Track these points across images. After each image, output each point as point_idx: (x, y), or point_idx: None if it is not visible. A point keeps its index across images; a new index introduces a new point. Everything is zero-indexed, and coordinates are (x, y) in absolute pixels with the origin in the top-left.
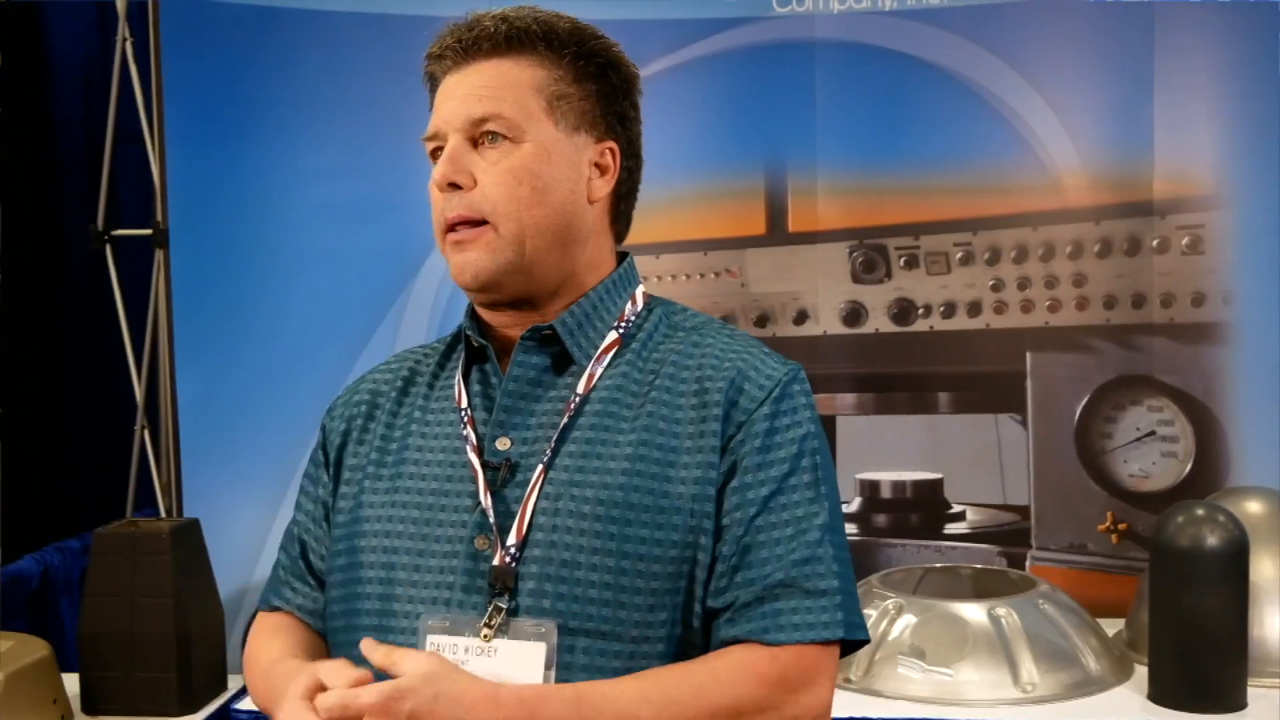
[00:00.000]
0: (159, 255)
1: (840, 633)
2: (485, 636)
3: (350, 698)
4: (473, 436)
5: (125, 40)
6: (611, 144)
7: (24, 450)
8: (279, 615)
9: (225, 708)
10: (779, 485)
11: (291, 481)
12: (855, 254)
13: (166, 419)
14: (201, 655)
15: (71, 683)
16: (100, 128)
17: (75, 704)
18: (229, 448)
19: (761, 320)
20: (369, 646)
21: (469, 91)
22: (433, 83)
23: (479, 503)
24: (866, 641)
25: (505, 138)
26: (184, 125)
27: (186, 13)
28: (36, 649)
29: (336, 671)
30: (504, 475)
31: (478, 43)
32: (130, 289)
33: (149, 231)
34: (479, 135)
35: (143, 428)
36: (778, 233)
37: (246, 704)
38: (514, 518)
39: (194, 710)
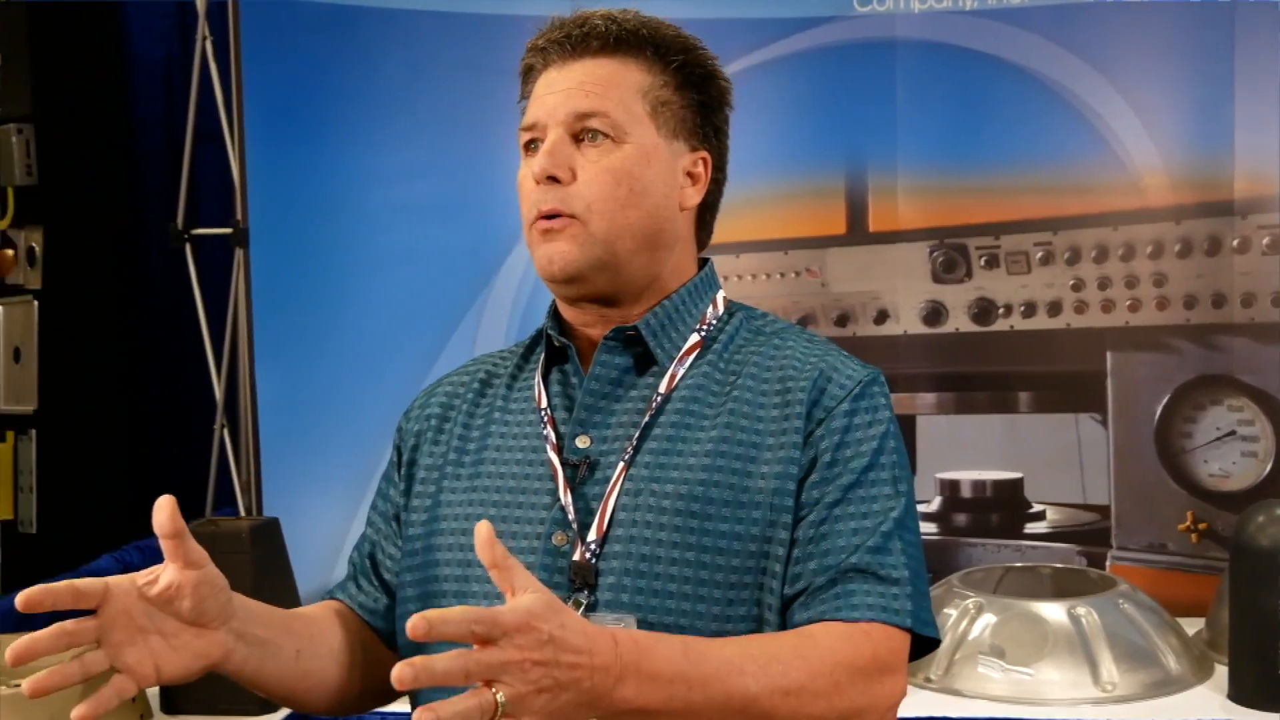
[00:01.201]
0: (239, 254)
1: (909, 622)
2: None
3: (493, 614)
4: (553, 435)
5: (205, 39)
6: (705, 154)
7: (104, 449)
8: (335, 603)
9: None
10: (857, 477)
11: (370, 481)
12: (936, 253)
13: (246, 418)
14: None
15: None
16: (180, 127)
17: (155, 704)
18: (308, 447)
19: (842, 320)
20: (485, 533)
21: (575, 86)
22: (529, 74)
23: (558, 499)
24: (937, 642)
25: (607, 137)
26: (264, 124)
27: (266, 12)
28: None
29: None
30: (583, 473)
31: (586, 40)
32: (210, 288)
33: (229, 230)
34: (581, 131)
35: (222, 427)
36: (858, 232)
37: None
38: (594, 514)
39: (273, 710)
